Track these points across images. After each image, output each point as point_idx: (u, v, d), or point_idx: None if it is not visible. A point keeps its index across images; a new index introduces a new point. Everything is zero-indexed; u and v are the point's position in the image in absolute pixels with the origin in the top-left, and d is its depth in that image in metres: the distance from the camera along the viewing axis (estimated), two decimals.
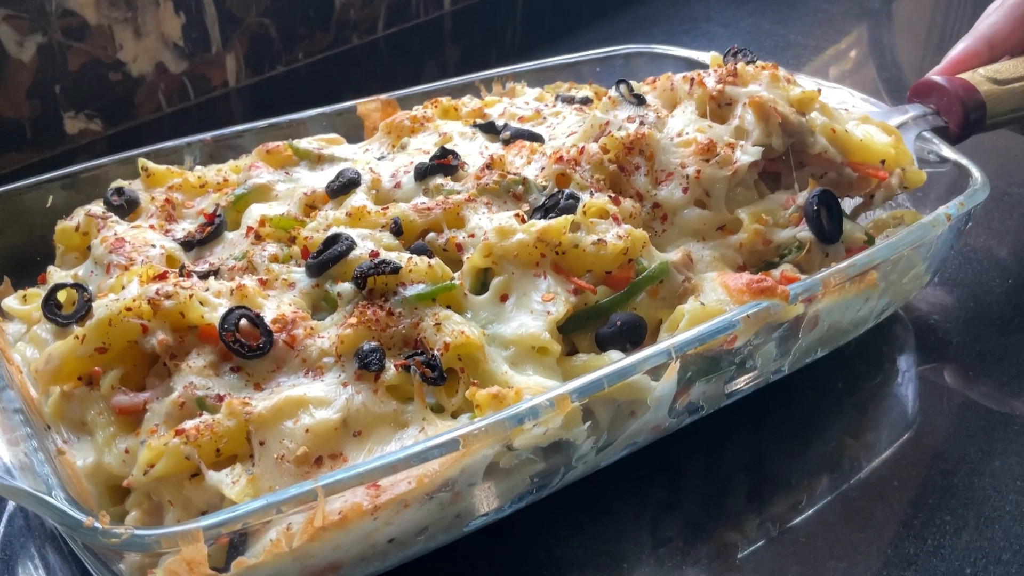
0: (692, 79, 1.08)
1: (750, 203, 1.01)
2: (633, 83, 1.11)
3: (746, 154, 0.99)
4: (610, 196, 0.97)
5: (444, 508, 0.76)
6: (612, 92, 1.09)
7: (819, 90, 1.07)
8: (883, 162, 1.05)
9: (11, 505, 0.93)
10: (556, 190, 0.98)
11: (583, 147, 1.01)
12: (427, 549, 0.80)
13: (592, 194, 0.96)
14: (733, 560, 0.86)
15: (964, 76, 1.19)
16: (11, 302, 0.97)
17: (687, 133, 1.01)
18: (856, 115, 1.12)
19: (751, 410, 1.00)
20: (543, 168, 1.01)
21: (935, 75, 1.20)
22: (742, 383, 0.94)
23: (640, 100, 1.08)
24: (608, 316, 0.88)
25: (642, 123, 1.03)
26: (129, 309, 0.80)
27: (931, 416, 1.03)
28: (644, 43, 1.53)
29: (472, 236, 0.94)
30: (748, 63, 1.10)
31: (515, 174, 1.00)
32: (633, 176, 1.00)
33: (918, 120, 1.18)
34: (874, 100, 1.23)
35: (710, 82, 1.06)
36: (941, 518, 0.90)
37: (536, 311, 0.87)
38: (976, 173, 1.07)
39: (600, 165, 1.00)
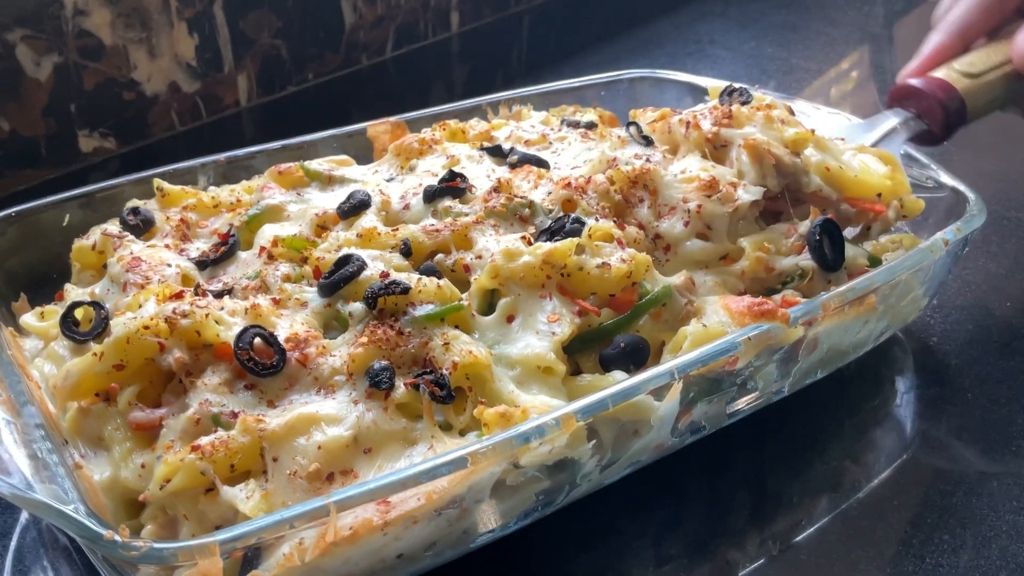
0: (688, 122, 1.10)
1: (752, 234, 1.03)
2: (642, 124, 1.15)
3: (748, 193, 1.01)
4: (615, 222, 0.99)
5: (452, 524, 0.78)
6: (622, 132, 1.13)
7: (813, 131, 1.09)
8: (879, 195, 1.07)
9: (23, 517, 0.95)
10: (562, 214, 1.00)
11: (590, 177, 1.04)
12: (434, 564, 0.82)
13: (597, 219, 0.99)
14: None
15: (939, 74, 1.18)
16: (29, 319, 0.99)
17: (691, 171, 1.04)
18: (853, 145, 1.14)
19: (752, 430, 1.02)
20: (550, 193, 1.04)
21: (911, 78, 1.19)
22: (743, 403, 0.96)
23: (648, 141, 1.13)
24: (612, 338, 0.90)
25: (648, 160, 1.07)
26: (147, 327, 0.82)
27: (929, 437, 1.05)
28: (648, 65, 1.56)
29: (479, 257, 0.96)
30: (744, 103, 1.13)
31: (522, 197, 1.03)
32: (637, 208, 1.03)
33: (900, 127, 1.19)
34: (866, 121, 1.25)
35: (705, 125, 1.09)
36: (940, 537, 0.91)
37: (542, 332, 0.89)
38: (973, 198, 1.09)
39: (606, 194, 1.02)
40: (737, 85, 1.20)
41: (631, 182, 1.04)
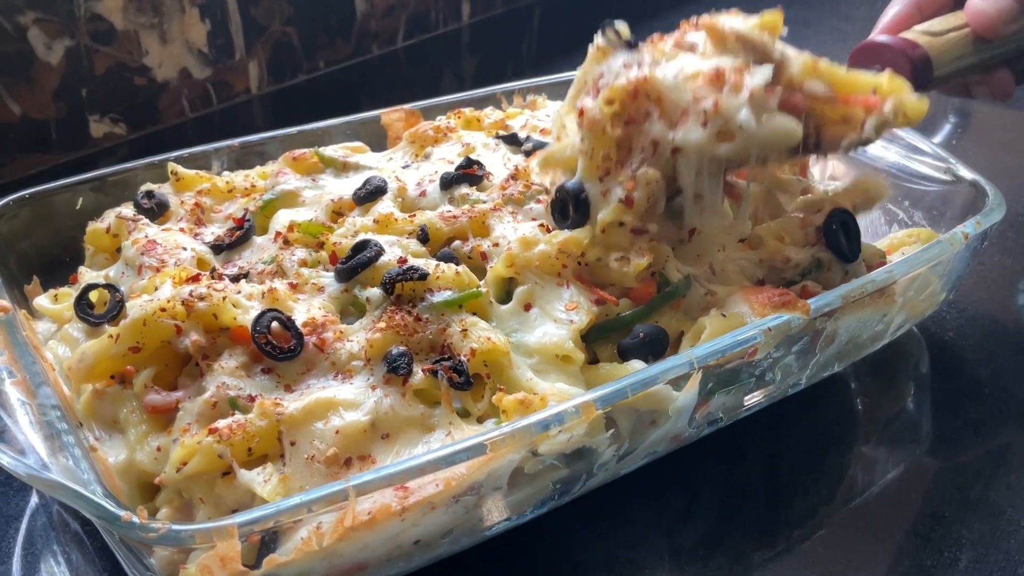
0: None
1: (770, 213, 1.01)
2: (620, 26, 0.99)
3: (756, 76, 0.89)
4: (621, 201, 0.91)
5: (469, 511, 0.77)
6: (599, 40, 0.97)
7: (779, 8, 1.00)
8: (874, 92, 0.96)
9: (33, 501, 0.94)
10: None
11: (581, 108, 0.92)
12: (451, 551, 0.81)
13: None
14: (750, 569, 0.88)
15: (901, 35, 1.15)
16: (43, 301, 0.98)
17: (689, 68, 0.92)
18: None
19: (767, 422, 1.01)
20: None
21: (875, 36, 1.15)
22: (760, 395, 0.95)
23: (632, 44, 0.97)
24: (631, 327, 0.90)
25: (640, 66, 0.93)
26: (163, 310, 0.82)
27: (946, 431, 1.05)
28: None
29: (496, 245, 0.95)
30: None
31: (539, 184, 1.02)
32: (646, 124, 0.90)
33: None
34: None
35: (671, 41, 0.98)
36: (958, 531, 0.91)
37: (560, 320, 0.88)
38: (992, 192, 1.08)
39: (603, 134, 0.90)
40: None
41: (631, 95, 0.90)
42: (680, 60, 0.94)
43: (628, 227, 0.91)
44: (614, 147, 0.91)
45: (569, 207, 0.94)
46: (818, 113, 0.93)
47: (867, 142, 0.96)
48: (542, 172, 1.03)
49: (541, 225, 0.95)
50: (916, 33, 1.11)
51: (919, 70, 1.08)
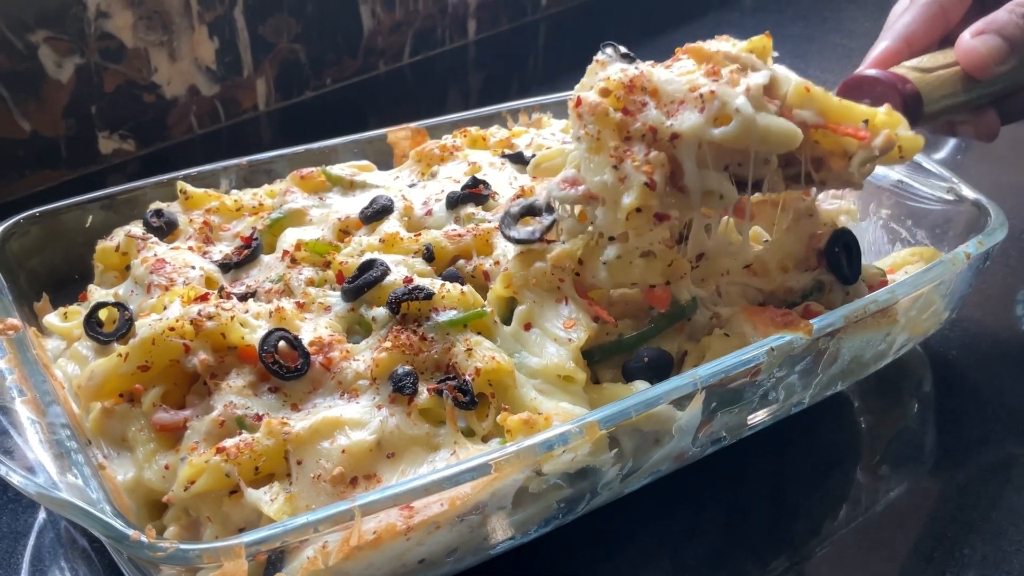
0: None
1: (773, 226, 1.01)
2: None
3: (753, 78, 0.89)
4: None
5: (474, 530, 0.78)
6: (600, 56, 0.97)
7: (767, 33, 0.99)
8: (866, 123, 0.94)
9: (41, 517, 0.95)
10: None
11: (579, 98, 0.91)
12: (455, 570, 0.82)
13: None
14: None
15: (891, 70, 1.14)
16: (52, 319, 0.99)
17: (687, 68, 0.92)
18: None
19: (770, 441, 1.02)
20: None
21: (865, 70, 1.14)
22: (764, 415, 0.96)
23: (630, 58, 0.97)
24: (635, 350, 0.90)
25: (636, 68, 0.93)
26: (172, 329, 0.82)
27: (949, 450, 1.05)
28: None
29: (497, 264, 0.96)
30: None
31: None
32: (642, 113, 0.89)
33: None
34: None
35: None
36: (960, 551, 0.91)
37: (560, 339, 0.89)
38: (995, 212, 1.09)
39: (604, 116, 0.89)
40: None
41: (627, 88, 0.89)
42: (676, 66, 0.94)
43: (652, 211, 0.88)
44: (618, 133, 0.89)
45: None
46: (812, 141, 0.92)
47: (849, 181, 0.94)
48: (534, 179, 1.03)
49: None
50: (906, 69, 1.11)
51: (910, 106, 1.07)
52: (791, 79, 0.92)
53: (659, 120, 0.88)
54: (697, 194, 0.89)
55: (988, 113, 1.12)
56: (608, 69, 0.94)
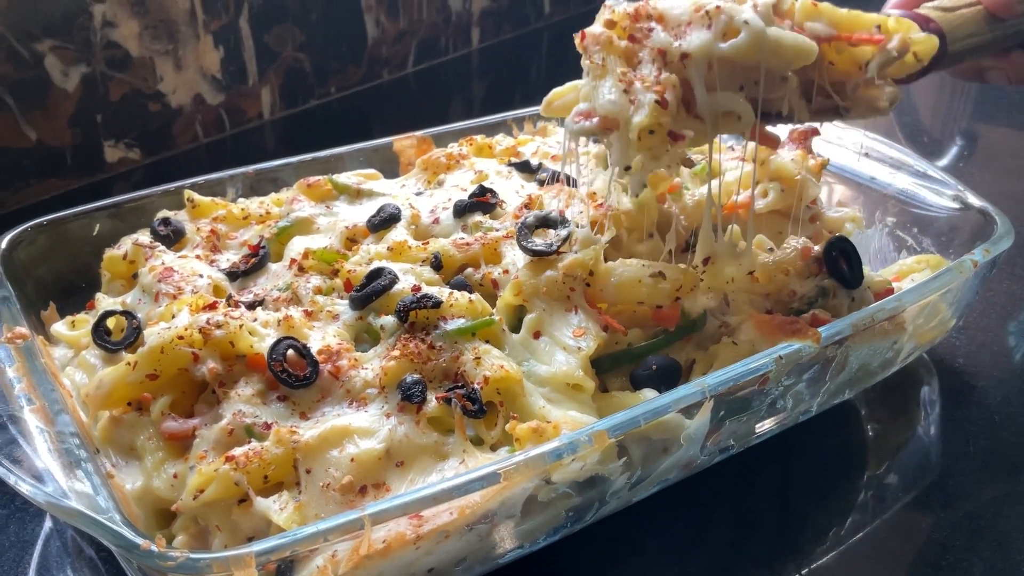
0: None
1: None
2: None
3: None
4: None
5: (483, 539, 0.78)
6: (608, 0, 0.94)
7: None
8: (878, 28, 0.93)
9: (47, 527, 0.95)
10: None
11: (583, 32, 0.89)
12: None
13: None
14: None
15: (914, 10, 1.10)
16: (60, 328, 0.99)
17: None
18: None
19: (777, 449, 1.02)
20: (580, 212, 1.03)
21: (888, 10, 1.09)
22: (771, 423, 0.96)
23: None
24: (643, 359, 0.90)
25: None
26: (181, 337, 0.83)
27: (956, 459, 1.05)
28: None
29: (507, 272, 0.96)
30: None
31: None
32: (649, 38, 0.87)
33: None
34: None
35: None
36: (969, 560, 0.91)
37: (569, 347, 0.89)
38: (1001, 220, 1.09)
39: (609, 44, 0.87)
40: None
41: (632, 17, 0.88)
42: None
43: (665, 130, 0.86)
44: (626, 60, 0.88)
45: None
46: (827, 63, 0.91)
47: (874, 105, 0.92)
48: (546, 115, 1.01)
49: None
50: (928, 8, 1.07)
51: None
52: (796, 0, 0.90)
53: (667, 42, 0.86)
54: (712, 116, 0.87)
55: (1016, 55, 1.08)
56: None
